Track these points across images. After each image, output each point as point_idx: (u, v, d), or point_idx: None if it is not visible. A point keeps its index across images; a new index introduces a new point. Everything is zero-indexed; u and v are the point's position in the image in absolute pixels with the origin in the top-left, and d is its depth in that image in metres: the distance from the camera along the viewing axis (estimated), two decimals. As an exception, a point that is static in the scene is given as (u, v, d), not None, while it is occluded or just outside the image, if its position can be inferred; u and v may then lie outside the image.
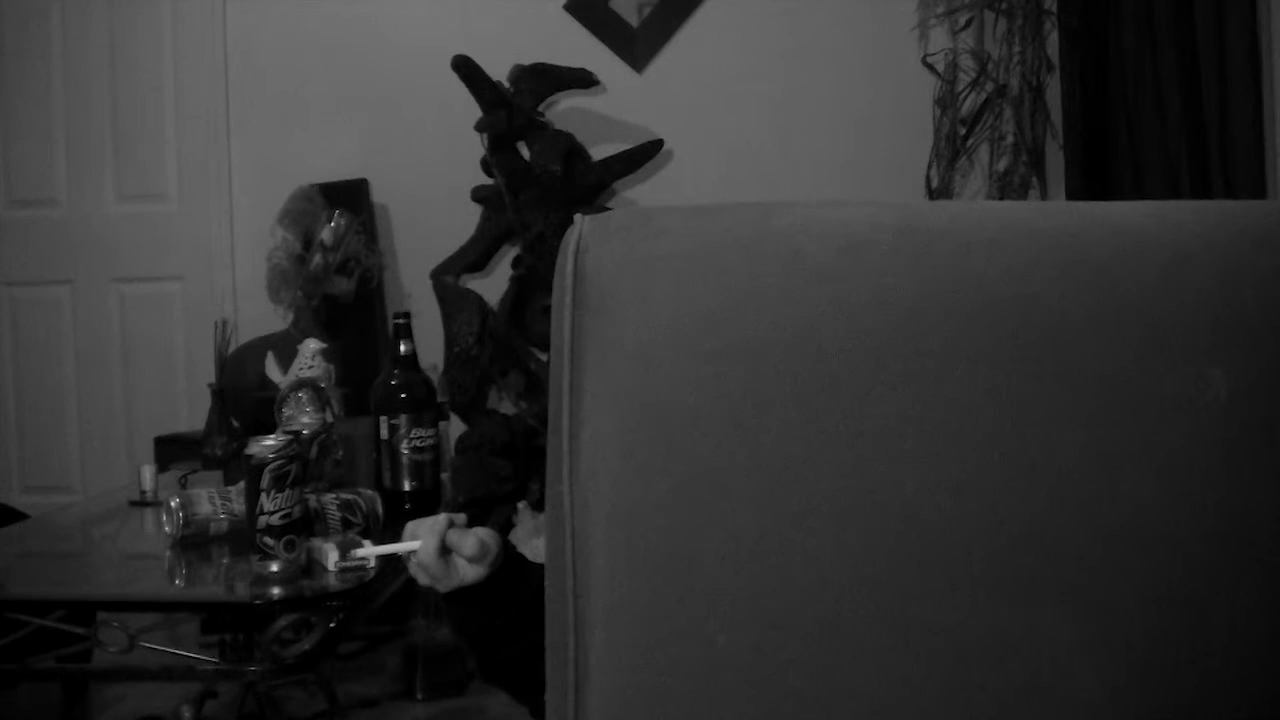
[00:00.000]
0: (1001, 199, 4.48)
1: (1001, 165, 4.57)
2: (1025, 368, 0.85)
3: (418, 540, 1.63)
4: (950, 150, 4.67)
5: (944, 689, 0.85)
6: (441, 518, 1.65)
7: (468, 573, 1.63)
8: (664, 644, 0.84)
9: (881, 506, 0.84)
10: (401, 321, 2.67)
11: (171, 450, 4.44)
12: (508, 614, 1.64)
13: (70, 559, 2.73)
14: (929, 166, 4.68)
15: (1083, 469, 0.86)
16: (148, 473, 3.05)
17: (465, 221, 4.69)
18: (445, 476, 2.90)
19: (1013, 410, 0.85)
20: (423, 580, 1.65)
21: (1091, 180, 4.59)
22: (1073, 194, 4.65)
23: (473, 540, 1.62)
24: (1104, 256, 0.88)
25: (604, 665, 0.84)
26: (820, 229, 0.86)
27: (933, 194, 4.64)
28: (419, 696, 3.92)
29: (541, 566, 1.77)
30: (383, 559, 2.13)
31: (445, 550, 1.62)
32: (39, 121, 5.40)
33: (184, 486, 2.90)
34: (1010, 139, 4.57)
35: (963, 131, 4.68)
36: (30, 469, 5.46)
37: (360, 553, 2.05)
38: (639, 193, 4.97)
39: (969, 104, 4.67)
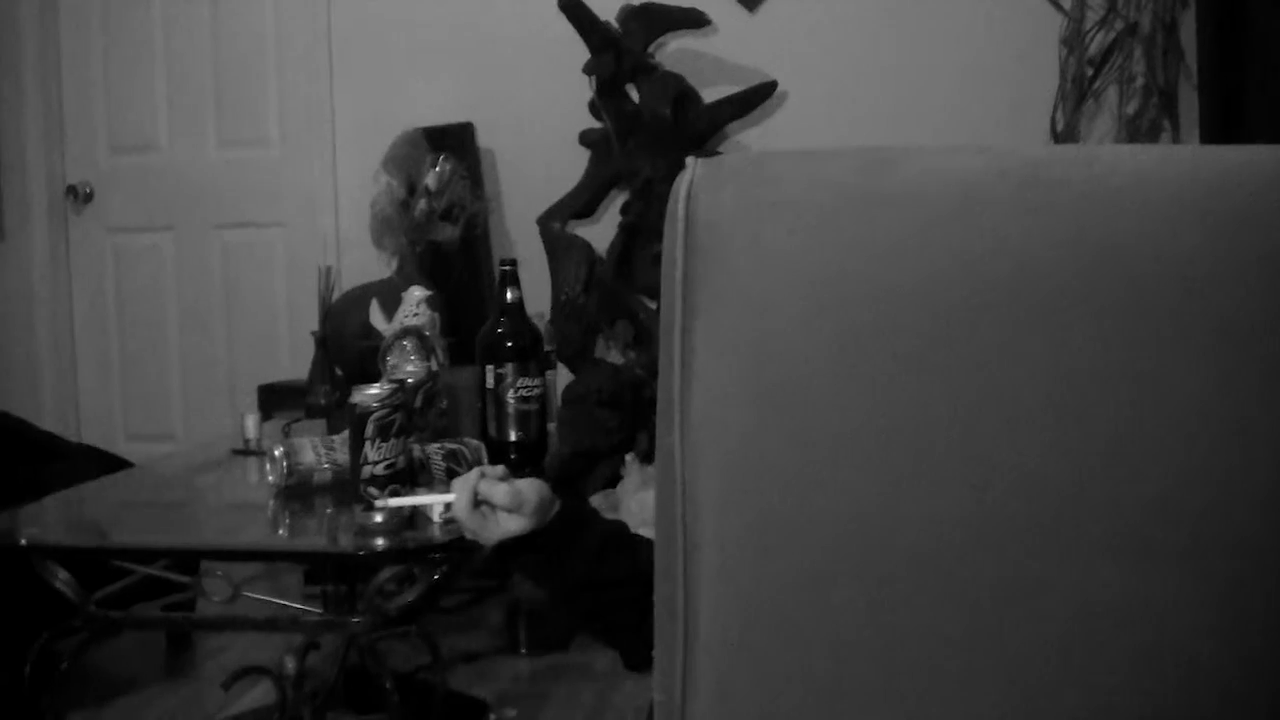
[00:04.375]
0: (1131, 143, 4.41)
1: (1131, 108, 4.50)
2: (1154, 325, 0.83)
3: (452, 495, 1.66)
4: (1076, 93, 4.59)
5: (1064, 652, 0.85)
6: (474, 471, 1.68)
7: (509, 524, 1.65)
8: (776, 603, 0.84)
9: (1003, 467, 0.83)
10: (507, 269, 2.67)
11: (275, 399, 4.50)
12: (575, 565, 1.65)
13: (174, 508, 2.78)
14: (1053, 110, 4.61)
15: (1216, 434, 0.84)
16: (251, 421, 3.09)
17: (573, 167, 4.69)
18: (551, 427, 2.91)
19: (1141, 370, 0.83)
20: (467, 534, 1.68)
21: (1229, 124, 4.50)
22: (1208, 139, 4.56)
23: (503, 490, 1.64)
24: (1241, 206, 0.86)
25: (714, 623, 0.85)
26: (939, 177, 0.85)
27: (1057, 139, 4.57)
28: (522, 651, 3.95)
29: (598, 516, 1.79)
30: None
31: (480, 503, 1.64)
32: (140, 67, 5.46)
33: (287, 435, 2.93)
34: (1140, 80, 4.48)
35: (1090, 72, 4.60)
36: (133, 417, 5.55)
37: (394, 502, 2.07)
38: (751, 137, 4.93)
39: (1097, 43, 4.59)
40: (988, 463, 0.83)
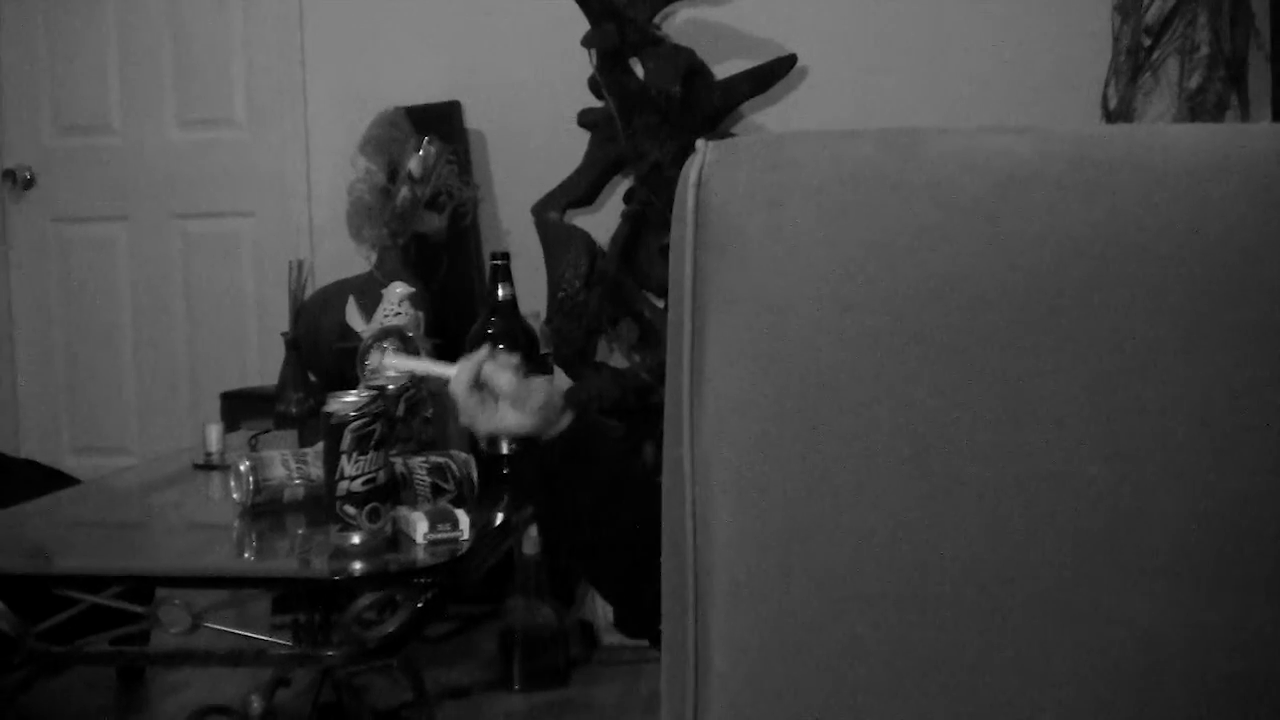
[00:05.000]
0: (1193, 121, 4.40)
1: (1194, 82, 4.49)
2: (1224, 324, 0.83)
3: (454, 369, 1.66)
4: (1132, 65, 4.59)
5: (1121, 685, 0.85)
6: (483, 350, 1.66)
7: (509, 417, 1.63)
8: (794, 631, 0.84)
9: (1049, 481, 0.83)
10: (499, 263, 2.68)
11: (240, 407, 4.51)
12: (579, 498, 1.62)
13: (126, 529, 2.78)
14: (1106, 85, 4.60)
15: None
16: (214, 432, 3.09)
17: (571, 150, 4.69)
18: (548, 438, 2.91)
19: (1208, 373, 0.83)
20: (463, 420, 1.68)
21: (1304, 99, 4.50)
22: (1281, 114, 4.55)
23: (509, 377, 1.63)
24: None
25: (727, 650, 0.85)
26: (977, 159, 0.86)
27: (1110, 116, 4.57)
28: (516, 686, 3.95)
29: (616, 449, 1.78)
30: (473, 529, 2.17)
31: (482, 386, 1.63)
32: (90, 37, 5.46)
33: (254, 448, 2.94)
34: (1205, 50, 4.48)
35: (1147, 43, 4.59)
36: (82, 429, 5.55)
37: (392, 362, 2.06)
38: (769, 116, 4.94)
39: (1155, 10, 4.59)
40: (1033, 475, 0.83)
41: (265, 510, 2.50)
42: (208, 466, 3.03)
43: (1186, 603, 0.85)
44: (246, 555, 2.51)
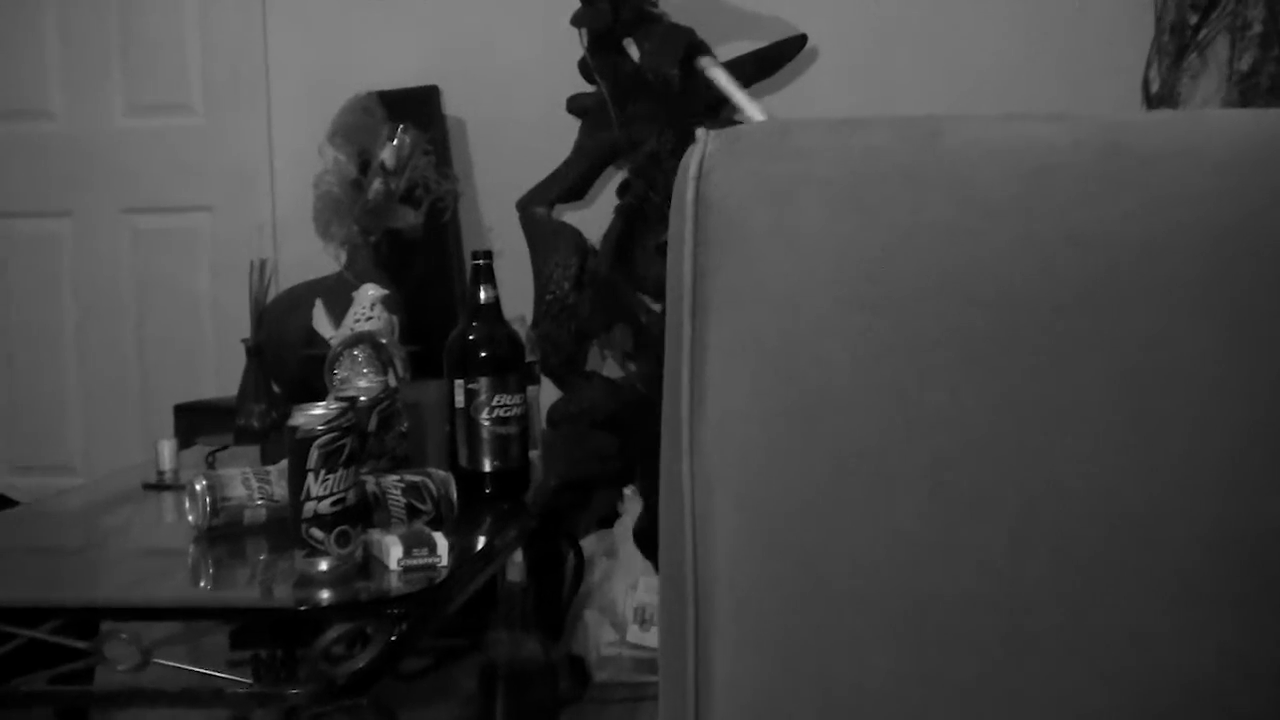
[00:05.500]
0: (1244, 106, 4.40)
1: (1245, 63, 4.49)
2: (1268, 326, 0.84)
3: None
4: (1177, 44, 4.59)
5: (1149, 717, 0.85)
6: None
7: None
8: (803, 661, 0.85)
9: (1078, 494, 0.83)
10: (481, 262, 2.69)
11: (197, 421, 4.50)
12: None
13: (69, 556, 2.77)
14: (1147, 66, 4.60)
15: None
16: (167, 449, 3.09)
17: (560, 139, 4.69)
18: (535, 455, 2.91)
19: (1252, 380, 0.83)
20: None
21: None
22: (1340, 100, 4.55)
23: None
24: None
25: (730, 684, 0.85)
26: (1002, 149, 0.86)
27: (1151, 101, 4.56)
28: (500, 729, 3.96)
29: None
30: (453, 554, 2.18)
31: None
32: (26, 13, 5.45)
33: (212, 466, 2.94)
34: (1258, 28, 4.47)
35: (1194, 19, 4.58)
36: (21, 445, 5.53)
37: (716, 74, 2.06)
38: (775, 102, 4.94)
39: (1202, -16, 4.60)
40: (1059, 492, 0.84)
41: (223, 534, 2.50)
42: (160, 486, 3.02)
43: (1228, 626, 0.85)
44: (202, 584, 2.51)
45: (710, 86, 4.56)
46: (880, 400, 0.83)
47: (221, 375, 4.84)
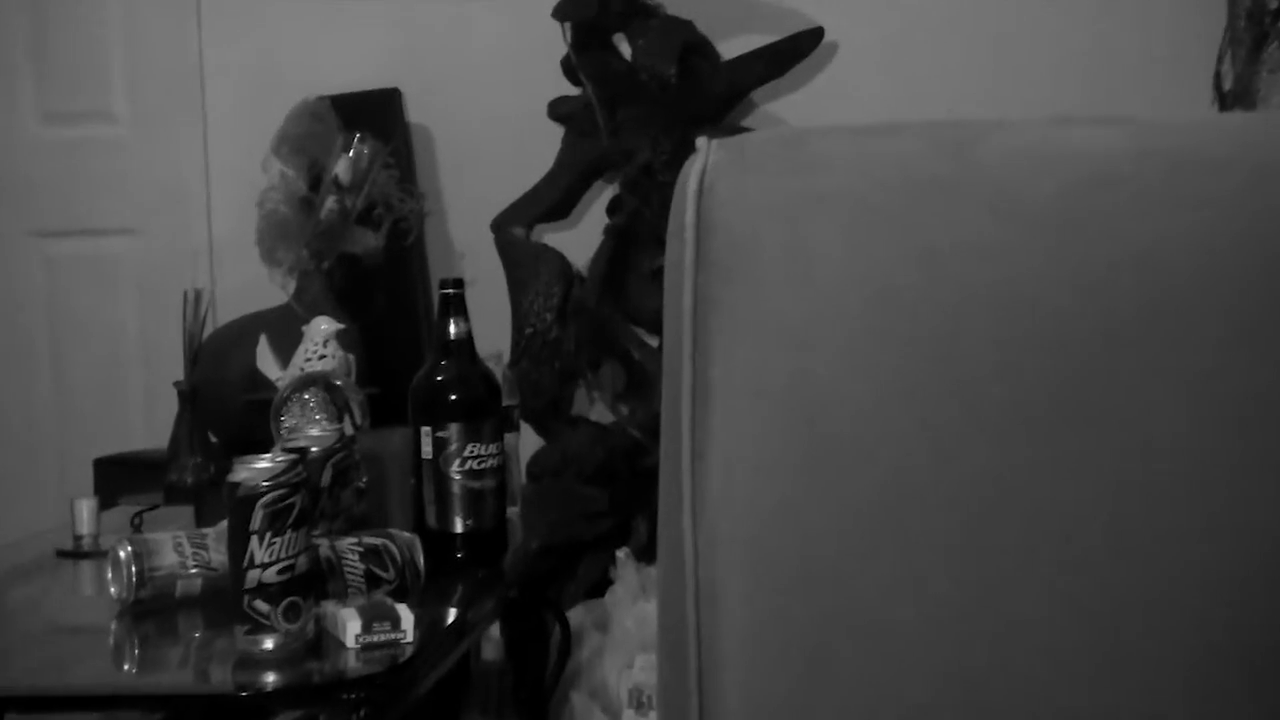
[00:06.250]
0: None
1: (1334, 55, 4.49)
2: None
3: None
4: (1254, 33, 4.58)
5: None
6: None
7: None
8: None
9: (1137, 541, 0.83)
10: (451, 292, 2.69)
11: (120, 477, 4.49)
12: None
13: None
14: (1219, 60, 4.60)
15: None
16: (85, 510, 3.08)
17: (540, 149, 4.70)
18: (513, 513, 2.91)
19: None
20: None
21: None
22: None
23: None
24: None
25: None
26: (1049, 157, 0.86)
27: (1224, 99, 4.56)
28: (473, 833, 3.95)
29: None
30: (419, 629, 2.17)
31: None
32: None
33: (138, 530, 2.93)
34: (1348, 17, 4.48)
35: (1275, 4, 4.59)
36: (-82, 504, 5.55)
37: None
38: (789, 106, 4.95)
39: (1282, -33, 4.60)
40: (1115, 552, 0.84)
41: (152, 609, 2.50)
42: (77, 554, 3.01)
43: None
44: (126, 667, 2.50)
45: (713, 86, 4.57)
46: (910, 449, 0.83)
47: (150, 424, 4.84)
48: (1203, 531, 0.85)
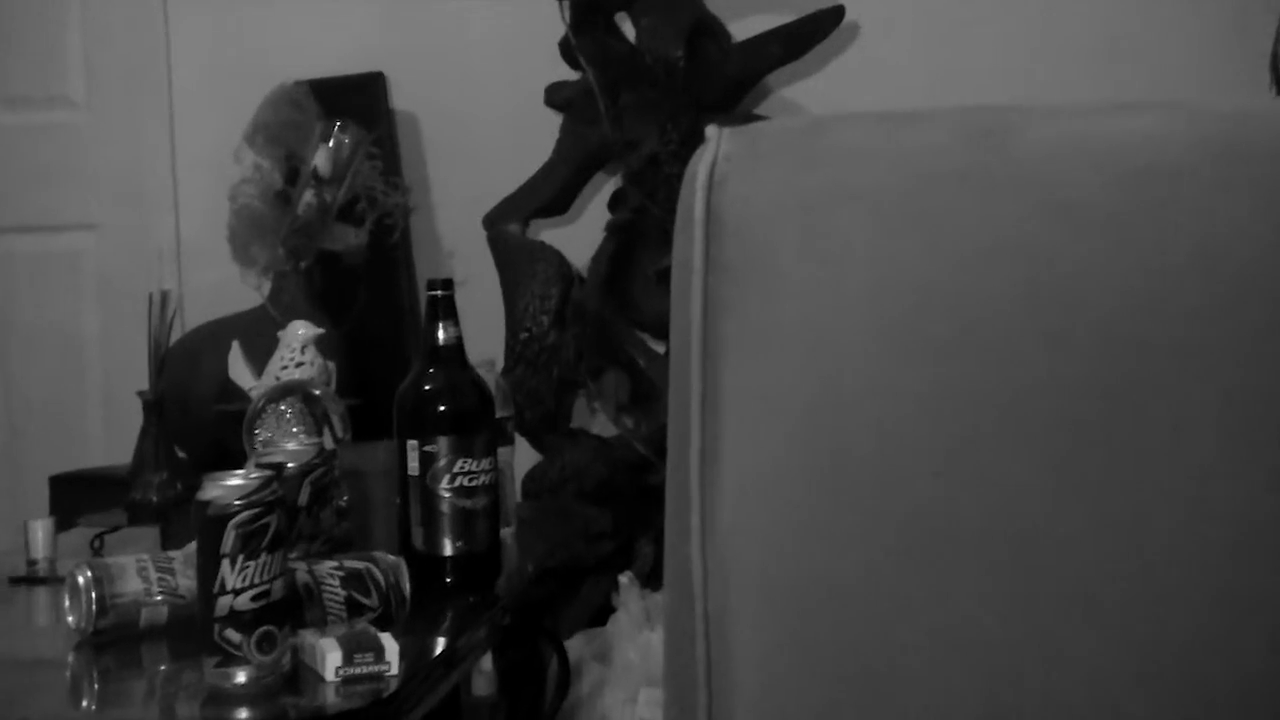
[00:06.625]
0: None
1: None
2: None
3: None
4: (1312, 14, 4.59)
5: None
6: None
7: None
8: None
9: (1200, 573, 0.83)
10: (439, 294, 2.68)
11: (78, 496, 4.48)
12: None
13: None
14: (1275, 40, 4.60)
15: None
16: (41, 532, 3.07)
17: (536, 138, 4.71)
18: (508, 534, 2.91)
19: None
20: None
21: None
22: None
23: None
24: None
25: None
26: (1094, 147, 0.86)
27: (1283, 83, 4.56)
28: None
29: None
30: (405, 660, 2.17)
31: None
32: None
33: (99, 553, 2.93)
34: None
35: (1334, -18, 4.59)
36: None
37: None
38: (808, 91, 4.95)
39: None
40: (1177, 585, 0.83)
41: (113, 639, 2.49)
42: (31, 580, 3.01)
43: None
44: (85, 703, 2.50)
45: (724, 69, 4.56)
46: (944, 470, 0.83)
47: (111, 438, 4.84)
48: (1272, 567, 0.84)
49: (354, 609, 2.43)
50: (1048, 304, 0.83)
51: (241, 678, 2.16)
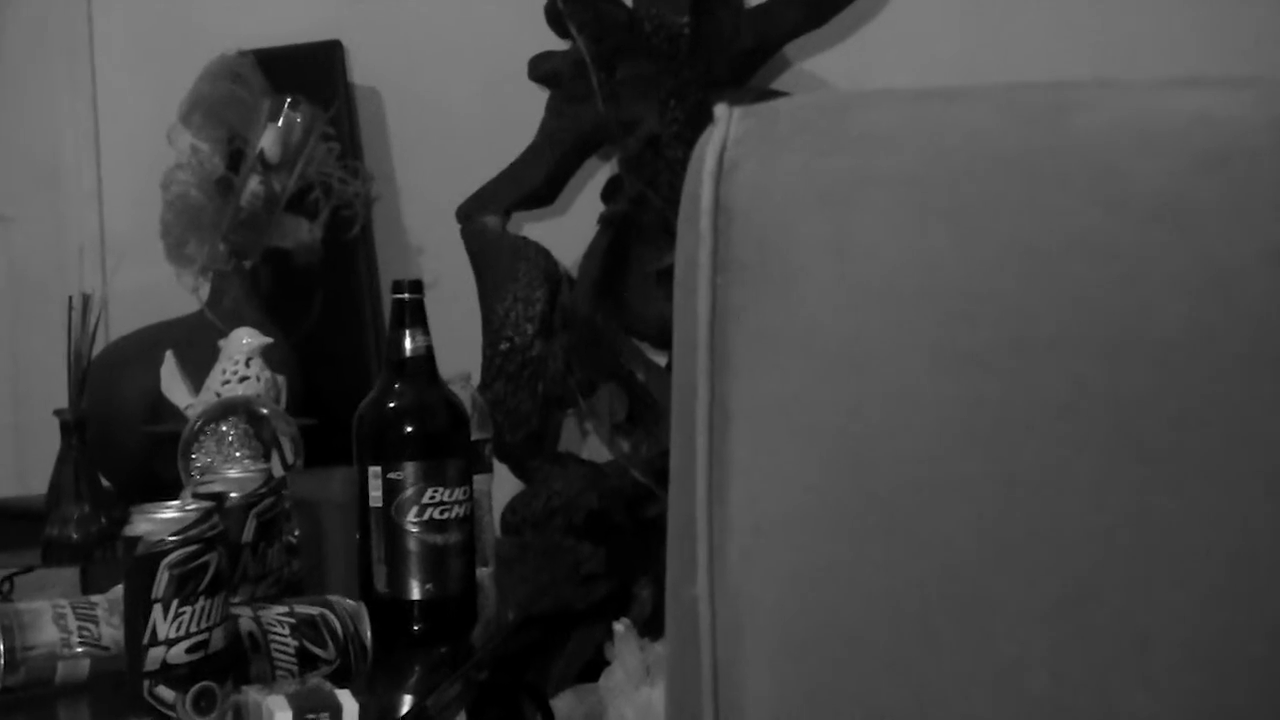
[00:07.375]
0: None
1: None
2: None
3: None
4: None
5: None
6: None
7: None
8: None
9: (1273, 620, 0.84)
10: (406, 298, 2.68)
11: (-12, 531, 4.51)
12: None
13: None
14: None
15: None
16: (-55, 572, 3.10)
17: (518, 118, 4.71)
18: (485, 574, 2.91)
19: None
20: None
21: None
22: None
23: None
24: None
25: None
26: (1160, 129, 0.86)
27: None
28: None
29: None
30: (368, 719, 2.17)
31: None
32: None
33: (7, 596, 2.93)
34: None
35: None
36: None
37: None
38: (828, 63, 4.95)
39: None
40: (1249, 633, 0.84)
41: (25, 698, 2.50)
42: (-64, 626, 3.04)
43: None
44: (-2, 768, 2.51)
45: (735, 39, 4.57)
46: (991, 501, 0.83)
47: (23, 464, 4.85)
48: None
49: (306, 661, 2.43)
50: (1109, 308, 0.83)
51: (177, 737, 2.16)
